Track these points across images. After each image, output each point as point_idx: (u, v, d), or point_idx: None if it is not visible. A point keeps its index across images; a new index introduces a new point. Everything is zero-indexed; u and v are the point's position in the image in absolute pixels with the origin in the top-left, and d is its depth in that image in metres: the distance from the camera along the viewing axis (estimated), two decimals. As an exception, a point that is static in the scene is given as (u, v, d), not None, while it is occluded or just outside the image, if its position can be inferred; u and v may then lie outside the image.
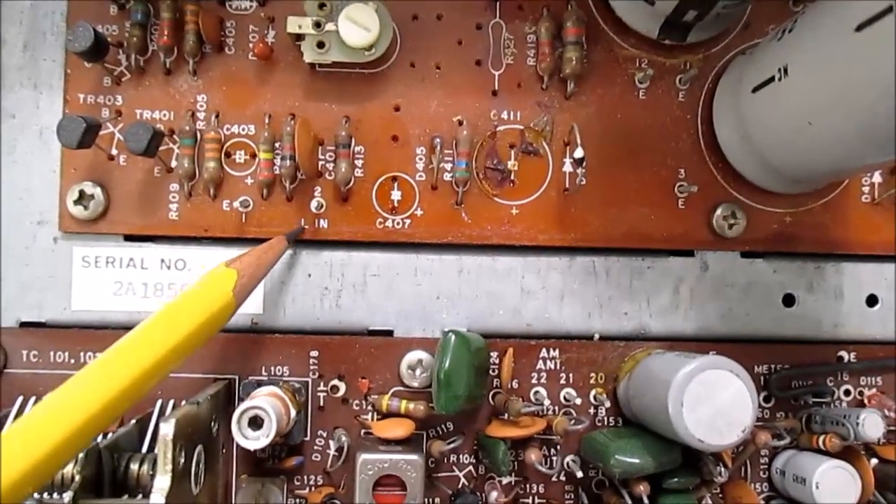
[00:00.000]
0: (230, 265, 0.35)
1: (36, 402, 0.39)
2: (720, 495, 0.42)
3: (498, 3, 0.43)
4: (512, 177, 0.43)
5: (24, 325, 0.42)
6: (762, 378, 0.43)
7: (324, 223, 0.42)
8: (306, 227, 0.42)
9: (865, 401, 0.43)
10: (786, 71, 0.35)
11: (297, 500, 0.41)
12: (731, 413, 0.35)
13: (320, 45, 0.40)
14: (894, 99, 0.29)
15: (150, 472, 0.33)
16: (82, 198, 0.41)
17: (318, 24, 0.40)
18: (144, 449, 0.36)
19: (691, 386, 0.35)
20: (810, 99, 0.34)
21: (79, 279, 0.42)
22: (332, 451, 0.41)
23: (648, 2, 0.40)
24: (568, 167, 0.43)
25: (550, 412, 0.42)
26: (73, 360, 0.41)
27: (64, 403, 0.27)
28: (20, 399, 0.40)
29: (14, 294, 0.42)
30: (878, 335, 0.44)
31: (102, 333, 0.41)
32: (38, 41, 0.42)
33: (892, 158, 0.36)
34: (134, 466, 0.34)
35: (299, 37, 0.41)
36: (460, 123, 0.43)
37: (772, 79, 0.37)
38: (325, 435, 0.42)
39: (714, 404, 0.35)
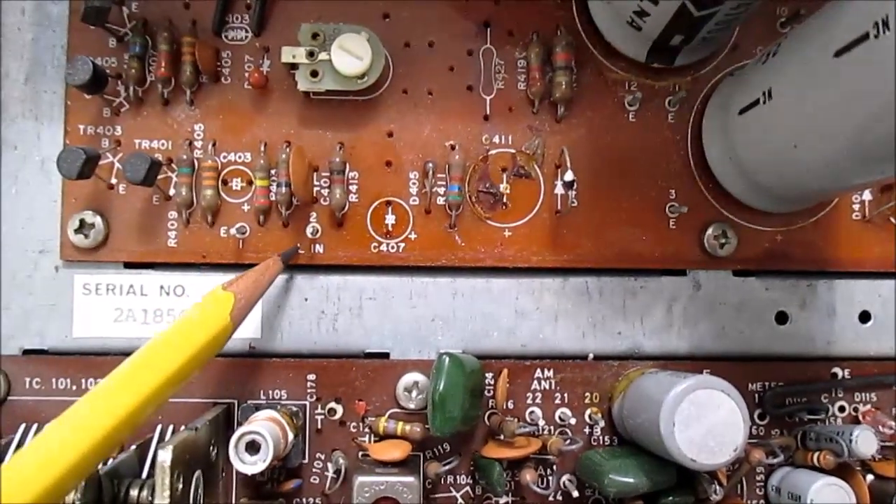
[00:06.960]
0: (227, 288, 0.36)
1: (39, 429, 0.39)
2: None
3: (488, 30, 0.44)
4: (504, 200, 0.43)
5: (26, 352, 0.42)
6: (757, 396, 0.43)
7: (319, 248, 0.43)
8: (302, 252, 0.43)
9: (860, 417, 0.44)
10: (770, 94, 0.36)
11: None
12: (722, 432, 0.35)
13: (314, 73, 0.41)
14: (874, 123, 0.30)
15: (150, 498, 0.34)
16: (83, 227, 0.42)
17: (311, 54, 0.41)
18: (144, 474, 0.37)
19: (682, 406, 0.35)
20: (793, 122, 0.35)
21: (80, 307, 0.42)
22: (330, 474, 0.42)
23: (635, 27, 0.40)
24: (560, 189, 0.44)
25: (545, 432, 0.42)
26: (74, 387, 0.42)
27: (65, 434, 0.27)
28: (23, 426, 0.40)
29: (16, 322, 0.42)
30: (872, 351, 0.44)
31: (103, 360, 0.42)
32: (40, 74, 0.43)
33: (878, 178, 0.36)
34: (134, 492, 0.34)
35: (293, 66, 0.42)
36: (453, 148, 0.43)
37: (757, 101, 0.37)
38: (323, 457, 0.42)
39: (705, 424, 0.35)
